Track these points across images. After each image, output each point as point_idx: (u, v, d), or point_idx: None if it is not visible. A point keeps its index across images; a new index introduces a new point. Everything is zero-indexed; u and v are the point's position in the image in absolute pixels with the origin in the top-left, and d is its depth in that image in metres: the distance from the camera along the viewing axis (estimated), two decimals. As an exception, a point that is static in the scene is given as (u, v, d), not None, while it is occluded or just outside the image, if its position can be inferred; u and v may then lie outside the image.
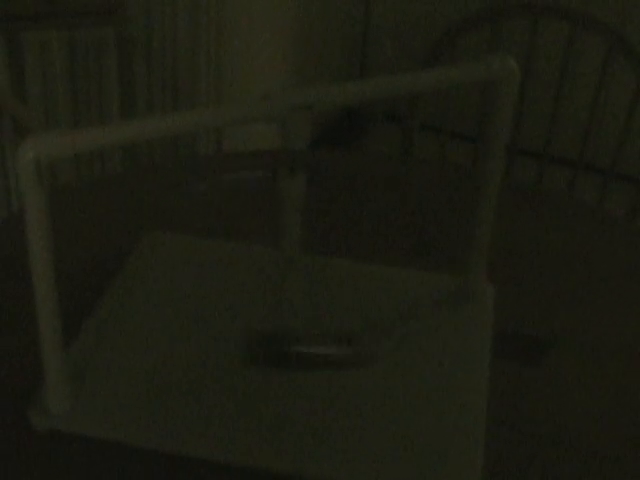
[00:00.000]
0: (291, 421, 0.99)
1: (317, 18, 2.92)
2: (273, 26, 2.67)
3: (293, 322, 1.10)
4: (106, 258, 1.23)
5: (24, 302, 1.13)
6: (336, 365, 1.06)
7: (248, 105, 0.89)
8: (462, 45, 1.77)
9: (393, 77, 0.97)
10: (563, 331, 1.16)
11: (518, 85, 1.02)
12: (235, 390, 1.02)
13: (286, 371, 1.05)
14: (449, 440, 0.98)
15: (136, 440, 0.96)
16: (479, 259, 1.15)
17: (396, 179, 1.46)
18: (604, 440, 1.01)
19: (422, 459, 0.95)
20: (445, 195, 1.43)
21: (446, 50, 1.77)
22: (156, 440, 0.96)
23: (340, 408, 1.01)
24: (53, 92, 2.06)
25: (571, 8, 1.72)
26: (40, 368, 0.96)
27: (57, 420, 0.98)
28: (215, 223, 1.32)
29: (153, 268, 1.20)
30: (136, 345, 1.08)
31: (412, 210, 1.38)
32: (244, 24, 2.47)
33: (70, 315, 1.12)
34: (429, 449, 0.97)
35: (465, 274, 1.18)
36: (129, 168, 2.20)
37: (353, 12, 3.16)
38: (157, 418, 0.98)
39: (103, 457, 0.95)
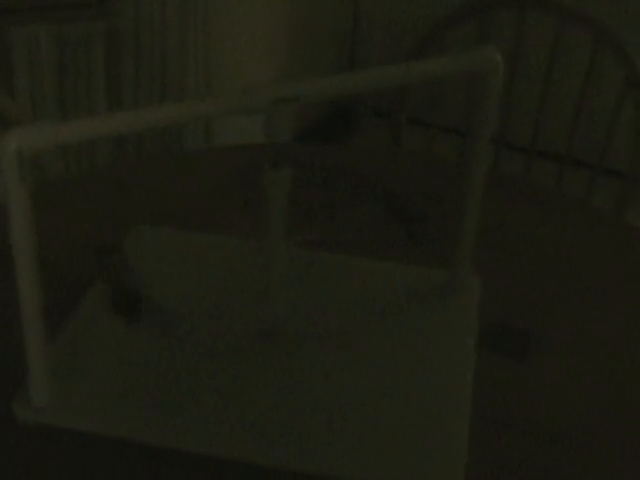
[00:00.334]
0: (277, 415, 0.99)
1: (307, 12, 2.92)
2: (262, 20, 2.67)
3: (278, 315, 1.10)
4: (93, 252, 1.22)
5: (8, 295, 1.13)
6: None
7: (231, 98, 0.89)
8: (450, 39, 1.77)
9: (378, 69, 0.97)
10: (549, 325, 1.16)
11: (503, 77, 1.01)
12: (221, 383, 1.02)
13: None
14: (433, 434, 0.98)
15: (120, 433, 0.96)
16: (465, 252, 1.15)
17: (384, 173, 1.46)
18: (590, 434, 1.01)
19: (406, 454, 0.95)
20: (432, 188, 1.43)
21: (434, 44, 1.77)
22: (140, 433, 0.96)
23: (324, 402, 1.01)
24: (41, 86, 2.05)
25: (558, 2, 1.72)
26: (25, 362, 0.96)
27: (41, 413, 0.97)
28: (202, 217, 1.32)
29: (139, 261, 1.20)
30: (121, 338, 1.07)
31: (399, 203, 1.38)
32: (233, 17, 2.46)
33: (55, 308, 1.12)
34: (413, 443, 0.97)
35: (451, 267, 1.18)
36: (116, 162, 2.20)
37: (342, 6, 3.16)
38: (141, 411, 0.98)
39: (87, 450, 0.95)
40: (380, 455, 0.95)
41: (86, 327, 1.09)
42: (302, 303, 1.14)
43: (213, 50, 2.36)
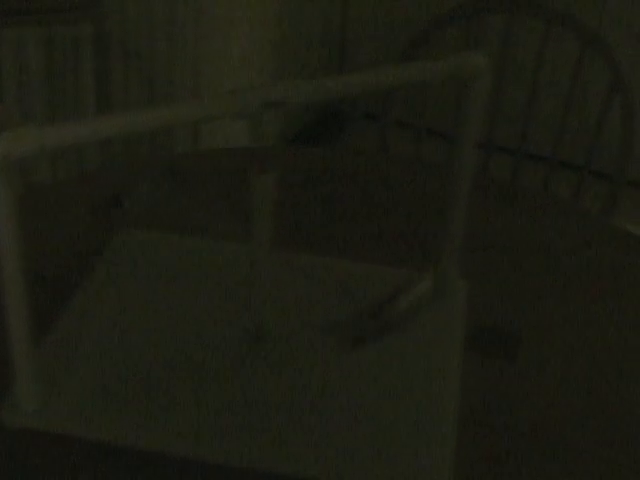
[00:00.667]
0: (261, 418, 0.99)
1: (296, 15, 2.92)
2: (251, 23, 2.66)
3: (263, 318, 1.10)
4: (79, 255, 1.22)
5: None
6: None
7: (218, 101, 0.89)
8: (439, 42, 1.77)
9: (364, 73, 0.97)
10: (537, 327, 1.16)
11: (489, 82, 1.02)
12: (207, 387, 1.02)
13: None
14: (419, 437, 0.98)
15: (107, 437, 0.96)
16: (452, 254, 1.15)
17: (371, 176, 1.46)
18: (576, 434, 1.01)
19: (393, 454, 0.96)
20: (419, 191, 1.43)
21: (422, 47, 1.77)
22: (127, 437, 0.96)
23: (309, 405, 1.01)
24: (29, 89, 2.05)
25: (546, 6, 1.73)
26: (12, 366, 0.96)
27: (28, 418, 0.97)
28: (187, 220, 1.32)
29: (125, 266, 1.20)
30: (107, 342, 1.07)
31: (387, 207, 1.38)
32: (222, 19, 2.46)
33: (42, 312, 1.12)
34: (400, 445, 0.97)
35: (438, 269, 1.18)
36: (102, 166, 2.20)
37: (331, 9, 3.16)
38: (128, 415, 0.98)
39: (74, 454, 0.95)
40: (366, 457, 0.95)
41: (73, 331, 1.09)
42: (287, 306, 1.15)
43: (201, 53, 2.36)
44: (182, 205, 1.30)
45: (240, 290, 1.16)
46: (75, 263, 1.21)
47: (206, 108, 0.90)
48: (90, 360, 1.05)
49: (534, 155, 2.53)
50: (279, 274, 1.20)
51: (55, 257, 1.22)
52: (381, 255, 1.27)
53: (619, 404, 1.06)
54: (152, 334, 1.09)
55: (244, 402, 1.01)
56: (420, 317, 1.14)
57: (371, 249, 1.28)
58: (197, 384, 1.02)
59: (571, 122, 2.77)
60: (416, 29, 1.78)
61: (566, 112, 1.78)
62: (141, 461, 0.94)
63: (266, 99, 0.91)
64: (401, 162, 1.54)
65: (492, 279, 1.24)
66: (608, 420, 1.03)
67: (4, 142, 0.82)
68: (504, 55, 1.79)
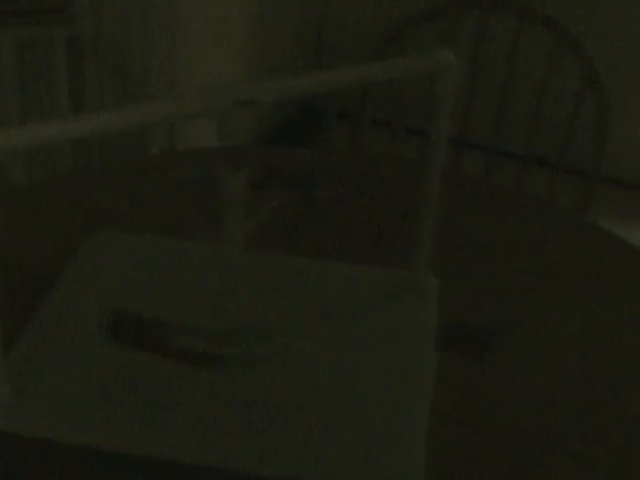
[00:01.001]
0: (229, 418, 0.99)
1: (272, 12, 2.91)
2: (227, 22, 2.66)
3: (236, 319, 1.10)
4: (53, 257, 1.22)
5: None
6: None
7: (189, 100, 0.89)
8: (413, 41, 1.78)
9: (334, 71, 0.97)
10: (508, 323, 1.17)
11: (459, 79, 1.02)
12: (176, 388, 1.02)
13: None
14: (391, 435, 0.98)
15: (78, 439, 0.95)
16: (423, 252, 1.16)
17: (345, 175, 1.46)
18: (549, 431, 1.02)
19: (364, 455, 0.96)
20: (393, 189, 1.43)
21: (395, 46, 1.78)
22: (98, 439, 0.95)
23: (282, 405, 1.01)
24: (3, 91, 2.03)
25: (519, 3, 1.74)
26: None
27: (0, 420, 0.97)
28: (161, 221, 1.31)
29: (99, 266, 1.19)
30: (79, 344, 1.07)
31: (360, 205, 1.38)
32: (196, 18, 2.46)
33: (14, 314, 1.11)
34: (371, 444, 0.97)
35: (409, 267, 1.18)
36: (76, 167, 2.19)
37: (308, 7, 3.16)
38: (99, 417, 0.98)
39: (45, 457, 0.94)
40: (338, 457, 0.95)
41: (46, 333, 1.08)
42: (261, 306, 1.14)
43: (177, 53, 2.35)
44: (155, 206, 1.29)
45: (213, 292, 1.16)
46: (50, 265, 1.20)
47: (176, 107, 0.90)
48: (61, 362, 1.04)
49: (508, 152, 2.53)
50: (251, 274, 1.20)
51: (30, 258, 1.22)
52: (355, 254, 1.27)
53: (599, 401, 1.06)
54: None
55: (217, 404, 1.00)
56: (392, 315, 1.15)
57: (344, 249, 1.28)
58: (170, 386, 1.02)
59: (544, 119, 2.77)
60: (391, 28, 1.78)
61: (539, 109, 1.79)
62: (116, 463, 0.94)
63: (237, 98, 0.91)
64: (375, 160, 1.54)
65: (465, 277, 1.25)
66: (587, 417, 1.04)
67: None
68: (477, 53, 1.80)
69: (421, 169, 1.10)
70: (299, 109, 3.26)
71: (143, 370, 1.04)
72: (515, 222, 1.37)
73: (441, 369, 1.08)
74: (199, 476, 0.93)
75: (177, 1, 2.30)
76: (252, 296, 1.16)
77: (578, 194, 1.74)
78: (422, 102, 2.61)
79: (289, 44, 3.10)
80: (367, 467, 0.94)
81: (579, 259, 1.30)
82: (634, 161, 3.00)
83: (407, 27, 1.78)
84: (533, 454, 0.98)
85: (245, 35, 2.79)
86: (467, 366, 1.09)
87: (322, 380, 1.04)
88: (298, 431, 0.98)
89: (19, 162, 2.06)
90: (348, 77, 0.98)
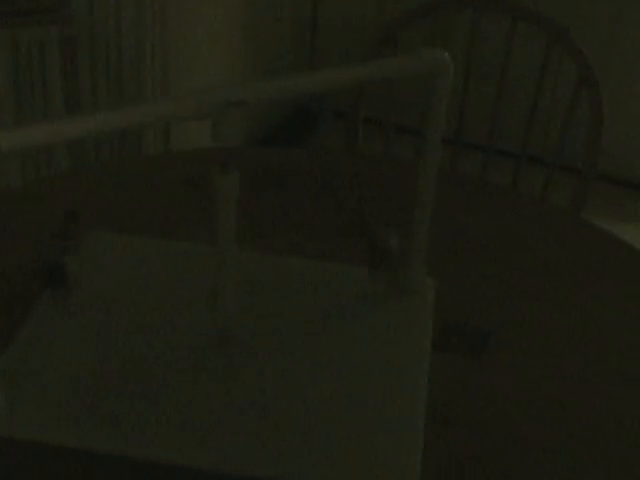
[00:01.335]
0: (228, 420, 0.98)
1: (265, 13, 2.91)
2: (220, 22, 2.66)
3: (230, 319, 1.10)
4: (48, 259, 1.21)
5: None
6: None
7: (180, 102, 0.89)
8: (407, 39, 1.78)
9: (327, 71, 0.97)
10: (505, 323, 1.17)
11: (453, 78, 1.02)
12: (171, 389, 1.01)
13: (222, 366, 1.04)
14: (388, 436, 0.98)
15: (72, 443, 0.95)
16: (419, 252, 1.15)
17: (341, 175, 1.46)
18: (544, 432, 1.01)
19: (360, 455, 0.96)
20: (388, 189, 1.43)
21: (389, 46, 1.77)
22: (96, 443, 0.95)
23: (277, 406, 1.01)
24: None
25: (512, 2, 1.74)
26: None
27: (-7, 424, 0.97)
28: (156, 222, 1.31)
29: (93, 268, 1.19)
30: (72, 347, 1.07)
31: (355, 205, 1.38)
32: (190, 19, 2.45)
33: (8, 317, 1.11)
34: (368, 445, 0.97)
35: (405, 267, 1.18)
36: (70, 168, 2.18)
37: (301, 7, 3.16)
38: (94, 421, 0.97)
39: (39, 460, 0.94)
40: (334, 458, 0.95)
41: (38, 336, 1.08)
42: (254, 307, 1.14)
43: (170, 53, 2.35)
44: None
45: (206, 292, 1.16)
46: (44, 267, 1.20)
47: (170, 108, 0.90)
48: (54, 366, 1.04)
49: (503, 151, 2.53)
50: (245, 275, 1.19)
51: (20, 261, 1.21)
52: (349, 254, 1.27)
53: (591, 402, 1.06)
54: (118, 338, 1.08)
55: (210, 404, 1.00)
56: (388, 315, 1.14)
57: (340, 248, 1.28)
58: (164, 388, 1.02)
59: (540, 118, 2.77)
60: (385, 27, 1.78)
61: (534, 108, 1.79)
62: (112, 466, 0.94)
63: (228, 99, 0.91)
64: (370, 160, 1.54)
65: (463, 277, 1.24)
66: (579, 418, 1.04)
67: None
68: (471, 52, 1.80)
69: (417, 169, 1.09)
70: (294, 109, 3.25)
71: (139, 372, 1.03)
72: (511, 221, 1.37)
73: (439, 369, 1.08)
74: (196, 478, 0.93)
75: (171, 3, 2.30)
76: (247, 297, 1.15)
77: (574, 192, 1.74)
78: (416, 101, 2.60)
79: (282, 45, 3.10)
80: (362, 468, 0.94)
81: (575, 258, 1.30)
82: (629, 159, 3.00)
83: (400, 27, 1.77)
84: (531, 454, 0.98)
85: (238, 36, 2.79)
86: (465, 366, 1.09)
87: (318, 380, 1.04)
88: (293, 432, 0.97)
89: (14, 163, 2.06)
90: (343, 77, 0.97)
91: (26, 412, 0.98)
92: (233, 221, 0.99)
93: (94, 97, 2.21)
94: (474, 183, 1.48)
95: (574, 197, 1.74)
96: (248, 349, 1.08)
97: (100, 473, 0.93)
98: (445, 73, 1.00)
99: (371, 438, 0.97)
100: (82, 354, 1.05)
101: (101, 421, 0.97)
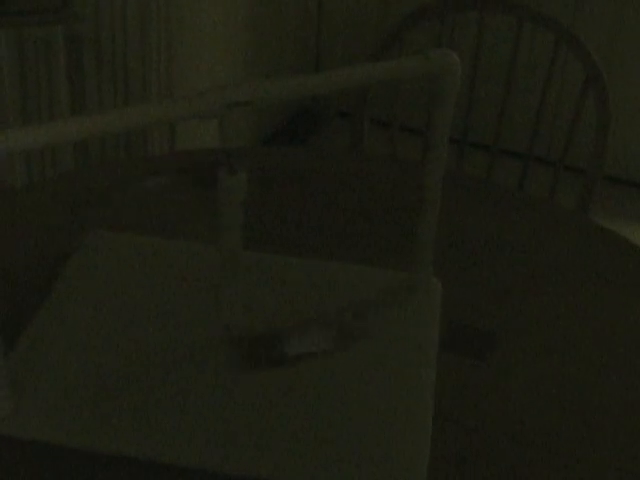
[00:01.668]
0: (230, 420, 0.98)
1: (270, 14, 2.91)
2: (225, 22, 2.66)
3: (234, 319, 1.10)
4: (50, 258, 1.21)
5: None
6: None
7: (184, 102, 0.89)
8: (411, 41, 1.77)
9: (333, 71, 0.97)
10: (511, 324, 1.16)
11: (461, 78, 1.02)
12: (175, 389, 1.01)
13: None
14: (395, 438, 0.98)
15: (79, 443, 0.95)
16: (425, 253, 1.15)
17: (345, 175, 1.46)
18: (550, 434, 1.01)
19: (369, 454, 0.95)
20: (393, 190, 1.43)
21: (394, 46, 1.77)
22: (99, 442, 0.95)
23: (283, 407, 1.00)
24: (1, 92, 2.03)
25: (518, 2, 1.73)
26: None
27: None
28: (160, 222, 1.31)
29: (96, 267, 1.19)
30: (79, 346, 1.06)
31: (361, 207, 1.38)
32: (195, 20, 2.45)
33: (12, 317, 1.11)
34: (375, 446, 0.96)
35: (412, 268, 1.18)
36: (76, 168, 2.18)
37: (306, 6, 3.16)
38: (100, 420, 0.97)
39: (45, 460, 0.94)
40: (341, 458, 0.95)
41: (43, 336, 1.08)
42: (258, 307, 1.14)
43: (175, 53, 2.35)
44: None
45: (210, 292, 1.16)
46: (46, 266, 1.20)
47: (172, 109, 0.90)
48: (61, 364, 1.04)
49: (509, 151, 2.53)
50: (249, 275, 1.19)
51: (26, 259, 1.21)
52: (355, 255, 1.26)
53: (596, 403, 1.06)
54: (123, 337, 1.08)
55: (213, 405, 1.00)
56: (395, 316, 1.14)
57: (345, 249, 1.28)
58: (167, 388, 1.02)
59: (546, 118, 2.77)
60: (391, 27, 1.78)
61: (541, 108, 1.79)
62: (115, 466, 0.94)
63: (233, 99, 0.90)
64: (374, 161, 1.53)
65: (466, 277, 1.24)
66: (584, 420, 1.03)
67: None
68: (477, 53, 1.79)
69: (423, 169, 1.09)
70: (299, 110, 3.25)
71: (142, 372, 1.03)
72: (517, 222, 1.37)
73: (445, 370, 1.07)
74: (199, 479, 0.93)
75: (175, 2, 2.30)
76: (251, 297, 1.15)
77: (580, 193, 1.74)
78: (421, 102, 2.61)
79: (287, 45, 3.10)
80: (370, 467, 0.94)
81: (582, 259, 1.29)
82: (635, 159, 2.99)
83: (406, 27, 1.77)
84: (536, 455, 0.98)
85: (243, 36, 2.79)
86: (471, 367, 1.09)
87: (323, 381, 1.04)
88: (299, 432, 0.97)
89: (19, 163, 2.06)
90: (349, 77, 0.97)
91: (29, 411, 0.98)
92: (239, 221, 0.99)
93: (99, 97, 2.21)
94: (480, 183, 1.47)
95: (580, 197, 1.74)
96: (252, 350, 1.07)
97: (102, 473, 0.93)
98: (453, 73, 1.00)
99: (378, 438, 0.97)
100: (85, 353, 1.05)
101: (103, 421, 0.97)
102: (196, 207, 1.34)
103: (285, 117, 3.18)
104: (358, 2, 3.12)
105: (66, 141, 0.86)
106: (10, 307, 1.13)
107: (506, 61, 1.78)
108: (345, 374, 1.05)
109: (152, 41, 2.23)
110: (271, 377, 1.04)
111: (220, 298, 1.07)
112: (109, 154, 2.29)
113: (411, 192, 1.42)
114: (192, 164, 0.90)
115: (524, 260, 1.28)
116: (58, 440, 0.95)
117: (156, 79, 2.29)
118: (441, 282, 1.20)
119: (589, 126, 1.71)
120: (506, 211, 1.40)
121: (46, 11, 2.05)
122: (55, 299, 1.13)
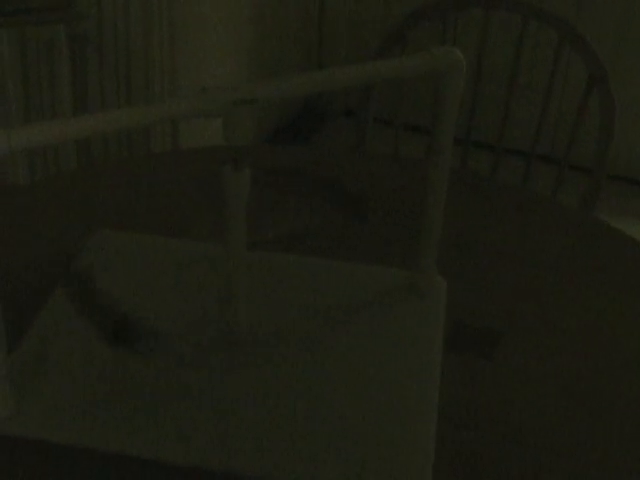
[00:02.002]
0: (241, 420, 0.98)
1: (273, 12, 2.91)
2: (228, 21, 2.65)
3: (241, 318, 1.09)
4: (56, 257, 1.21)
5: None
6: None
7: (189, 100, 0.88)
8: (416, 38, 1.77)
9: (338, 69, 0.96)
10: (515, 323, 1.16)
11: (466, 76, 1.01)
12: (180, 389, 1.01)
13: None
14: (400, 435, 0.97)
15: (82, 442, 0.95)
16: (430, 252, 1.15)
17: (347, 173, 1.45)
18: (554, 432, 1.01)
19: (374, 453, 0.95)
20: (397, 189, 1.42)
21: (397, 44, 1.76)
22: (101, 442, 0.95)
23: (289, 406, 1.00)
24: (4, 91, 2.03)
25: (522, 0, 1.73)
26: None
27: (1, 424, 0.96)
28: (164, 220, 1.31)
29: (100, 266, 1.19)
30: (84, 345, 1.06)
31: (367, 203, 1.37)
32: (198, 18, 2.45)
33: (16, 316, 1.10)
34: (380, 445, 0.96)
35: (417, 267, 1.17)
36: (79, 166, 2.18)
37: (309, 6, 3.15)
38: (102, 420, 0.97)
39: (47, 459, 0.93)
40: (346, 457, 0.94)
41: (48, 335, 1.07)
42: (265, 306, 1.14)
43: (178, 52, 2.34)
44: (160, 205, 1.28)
45: (215, 290, 1.15)
46: (51, 265, 1.20)
47: (176, 107, 0.89)
48: (65, 364, 1.03)
49: (513, 150, 2.52)
50: (254, 274, 1.19)
51: (30, 259, 1.21)
52: (359, 254, 1.26)
53: (602, 403, 1.05)
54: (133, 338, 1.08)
55: (219, 404, 0.99)
56: (400, 315, 1.14)
57: (349, 248, 1.27)
58: (174, 387, 1.01)
59: (550, 117, 2.77)
60: (394, 25, 1.77)
61: (545, 106, 1.78)
62: (118, 465, 0.93)
63: (237, 97, 0.90)
64: (377, 159, 1.53)
65: (471, 276, 1.24)
66: (588, 420, 1.03)
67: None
68: (481, 50, 1.79)
69: (428, 168, 1.09)
70: (302, 108, 3.25)
71: (147, 371, 1.03)
72: (522, 220, 1.36)
73: (450, 369, 1.07)
74: (204, 478, 0.92)
75: (179, 1, 2.29)
76: (255, 295, 1.15)
77: (584, 191, 1.73)
78: (425, 101, 2.60)
79: (290, 43, 3.09)
80: (375, 467, 0.93)
81: (587, 257, 1.29)
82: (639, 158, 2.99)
83: (408, 26, 1.77)
84: (543, 454, 0.97)
85: (246, 35, 2.78)
86: (474, 366, 1.08)
87: (329, 380, 1.03)
88: (305, 431, 0.97)
89: (22, 161, 2.05)
90: (354, 75, 0.97)
91: (31, 411, 0.97)
92: (243, 218, 0.98)
93: (102, 95, 2.21)
94: (484, 182, 1.47)
95: (584, 196, 1.73)
96: (258, 348, 1.07)
97: (104, 472, 0.92)
98: (458, 71, 1.00)
99: (383, 436, 0.97)
100: (90, 353, 1.05)
101: (105, 420, 0.97)
102: (201, 205, 1.34)
103: (288, 115, 3.17)
104: (361, 0, 3.12)
105: (70, 139, 0.85)
106: (13, 306, 1.12)
107: (510, 60, 1.78)
108: (349, 372, 1.05)
109: (155, 40, 2.23)
110: (276, 377, 1.03)
111: (225, 296, 1.07)
112: (112, 152, 2.29)
113: (415, 191, 1.41)
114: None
115: (529, 259, 1.28)
116: (60, 439, 0.95)
117: (159, 78, 2.29)
118: (445, 281, 1.20)
119: (593, 125, 1.70)
120: (511, 210, 1.39)
121: (49, 10, 2.05)
122: (59, 299, 1.13)
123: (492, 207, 1.39)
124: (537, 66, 2.73)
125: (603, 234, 1.35)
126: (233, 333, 1.09)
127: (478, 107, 1.83)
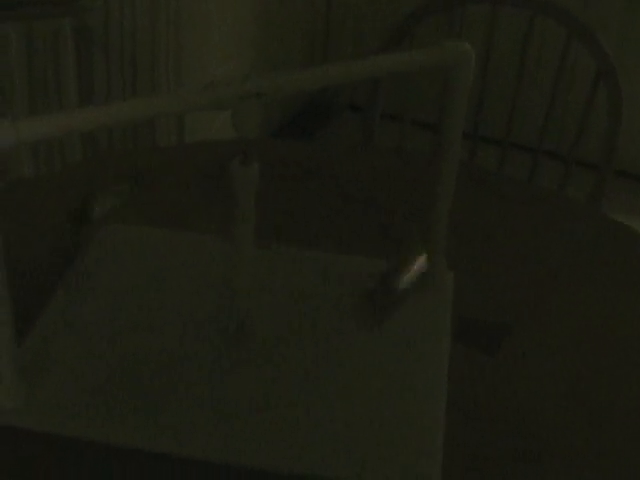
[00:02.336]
0: (247, 414, 0.98)
1: (279, 6, 2.90)
2: (234, 15, 2.65)
3: (247, 312, 1.09)
4: (61, 250, 1.21)
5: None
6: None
7: (196, 93, 0.88)
8: (423, 33, 1.76)
9: (345, 63, 0.96)
10: (522, 317, 1.16)
11: (473, 70, 1.01)
12: (187, 382, 1.01)
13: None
14: (408, 430, 0.97)
15: (90, 435, 0.95)
16: (438, 246, 1.14)
17: (355, 169, 1.45)
18: (560, 427, 1.00)
19: (382, 446, 0.95)
20: (403, 183, 1.42)
21: (405, 38, 1.76)
22: (109, 434, 0.94)
23: (296, 400, 1.00)
24: (11, 84, 2.03)
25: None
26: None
27: (10, 416, 0.96)
28: (171, 214, 1.30)
29: (108, 259, 1.18)
30: (91, 338, 1.06)
31: (372, 199, 1.37)
32: (204, 11, 2.44)
33: (24, 308, 1.10)
34: (388, 439, 0.96)
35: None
36: (86, 158, 2.18)
37: (315, 1, 3.15)
38: (112, 412, 0.97)
39: (57, 452, 0.93)
40: (355, 452, 0.94)
41: (55, 328, 1.07)
42: (271, 300, 1.13)
43: (184, 45, 2.34)
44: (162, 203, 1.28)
45: (223, 284, 1.15)
46: (57, 258, 1.19)
47: (183, 100, 0.89)
48: (72, 357, 1.03)
49: (520, 145, 2.52)
50: (262, 268, 1.19)
51: (39, 251, 1.21)
52: (366, 248, 1.26)
53: (608, 399, 1.05)
54: (135, 330, 1.07)
55: (226, 398, 0.99)
56: (407, 308, 1.13)
57: (356, 242, 1.27)
58: (180, 380, 1.01)
59: (557, 112, 2.76)
60: (400, 20, 1.77)
61: (552, 102, 1.77)
62: (124, 458, 0.93)
63: (243, 91, 0.90)
64: (384, 154, 1.53)
65: (478, 270, 1.23)
66: (594, 415, 1.03)
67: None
68: (489, 45, 1.78)
69: (436, 162, 1.08)
70: (308, 103, 3.24)
71: (155, 365, 1.03)
72: (528, 215, 1.36)
73: (457, 363, 1.07)
74: (212, 471, 0.92)
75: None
76: (262, 289, 1.14)
77: (591, 186, 1.73)
78: (432, 96, 2.59)
79: (296, 37, 3.09)
80: (383, 461, 0.93)
81: (594, 252, 1.29)
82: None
83: (415, 21, 1.76)
84: (548, 449, 0.97)
85: (252, 28, 2.78)
86: (481, 360, 1.08)
87: (336, 374, 1.03)
88: (312, 426, 0.96)
89: (26, 154, 2.05)
90: (362, 69, 0.96)
91: (40, 403, 0.97)
92: (251, 212, 0.98)
93: (108, 88, 2.20)
94: (490, 176, 1.46)
95: (592, 191, 1.72)
96: (265, 342, 1.07)
97: (111, 464, 0.92)
98: (467, 64, 0.99)
99: (391, 431, 0.96)
100: (97, 346, 1.05)
101: (113, 413, 0.96)
102: (209, 199, 1.34)
103: (294, 110, 3.17)
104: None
105: (75, 131, 0.85)
106: (21, 299, 1.12)
107: (517, 55, 1.77)
108: (357, 365, 1.04)
109: (161, 33, 2.23)
110: (283, 371, 1.03)
111: (232, 290, 1.07)
112: (117, 145, 2.29)
113: (421, 185, 1.41)
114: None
115: (536, 253, 1.27)
116: (68, 432, 0.95)
117: (165, 71, 2.29)
118: (453, 275, 1.19)
119: (600, 120, 1.70)
120: (518, 204, 1.39)
121: (55, 3, 2.05)
122: (66, 292, 1.13)
123: (499, 201, 1.39)
124: (544, 61, 2.73)
125: (610, 229, 1.35)
126: (240, 327, 1.08)
127: (485, 102, 1.82)
